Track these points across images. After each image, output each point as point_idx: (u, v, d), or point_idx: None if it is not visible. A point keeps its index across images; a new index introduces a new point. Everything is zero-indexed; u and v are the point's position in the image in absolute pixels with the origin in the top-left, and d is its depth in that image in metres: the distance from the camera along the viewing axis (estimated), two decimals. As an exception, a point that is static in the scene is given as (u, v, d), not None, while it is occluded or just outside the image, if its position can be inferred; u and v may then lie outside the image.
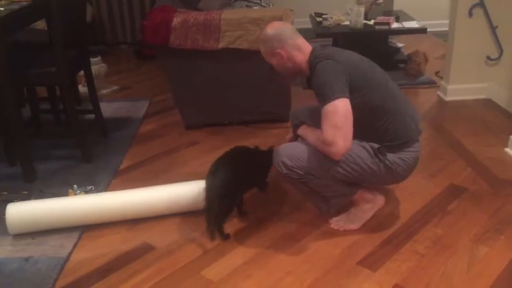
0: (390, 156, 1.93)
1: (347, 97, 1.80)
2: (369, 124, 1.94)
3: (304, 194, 2.12)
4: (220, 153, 2.85)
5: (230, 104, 3.11)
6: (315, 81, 1.88)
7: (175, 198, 2.26)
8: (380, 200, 2.14)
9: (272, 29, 2.02)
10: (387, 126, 1.92)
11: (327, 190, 2.02)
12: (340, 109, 1.78)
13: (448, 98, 3.48)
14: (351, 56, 1.97)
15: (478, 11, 3.23)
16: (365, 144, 1.94)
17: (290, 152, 1.94)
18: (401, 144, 1.94)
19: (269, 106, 3.11)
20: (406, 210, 2.25)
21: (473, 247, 1.99)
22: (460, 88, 3.45)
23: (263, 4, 3.95)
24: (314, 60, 1.93)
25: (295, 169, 1.92)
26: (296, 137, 2.06)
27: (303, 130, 2.02)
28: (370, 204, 2.12)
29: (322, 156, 1.87)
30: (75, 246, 2.10)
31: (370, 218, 2.15)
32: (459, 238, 2.05)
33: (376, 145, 1.92)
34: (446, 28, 3.52)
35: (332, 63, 1.86)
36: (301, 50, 1.99)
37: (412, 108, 2.05)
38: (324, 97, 1.80)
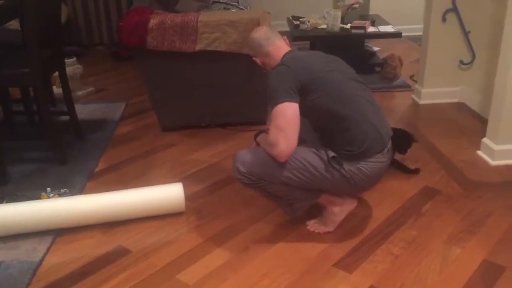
0: (347, 165, 1.92)
1: (293, 102, 1.84)
2: (328, 128, 1.97)
3: (267, 198, 2.12)
4: (197, 155, 2.87)
5: (208, 106, 3.10)
6: (266, 88, 1.93)
7: (151, 201, 2.24)
8: (349, 203, 2.15)
9: (250, 36, 2.11)
10: (344, 132, 1.92)
11: (286, 195, 2.03)
12: (285, 112, 1.82)
13: (422, 102, 3.54)
14: (309, 60, 1.99)
15: (451, 16, 3.30)
16: (321, 151, 1.94)
17: (244, 158, 1.97)
18: (360, 154, 1.92)
19: (247, 108, 3.11)
20: (382, 212, 2.28)
21: (446, 248, 2.03)
22: (434, 92, 3.51)
23: (241, 7, 3.96)
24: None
25: (246, 175, 1.95)
26: (258, 144, 2.10)
27: (260, 137, 2.05)
28: (339, 207, 2.12)
29: (272, 162, 1.90)
30: (48, 250, 2.07)
31: (346, 220, 2.16)
32: (432, 240, 2.09)
33: (332, 153, 1.92)
34: (421, 33, 3.58)
35: (282, 69, 1.92)
36: (272, 56, 2.05)
37: (380, 119, 2.00)
38: (272, 101, 1.86)
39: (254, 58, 2.12)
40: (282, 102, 1.83)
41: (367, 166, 1.94)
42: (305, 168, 1.92)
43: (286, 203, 2.08)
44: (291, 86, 1.86)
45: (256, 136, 2.11)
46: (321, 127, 1.99)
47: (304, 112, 1.87)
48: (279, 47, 2.06)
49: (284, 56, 2.02)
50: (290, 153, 1.85)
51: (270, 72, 2.01)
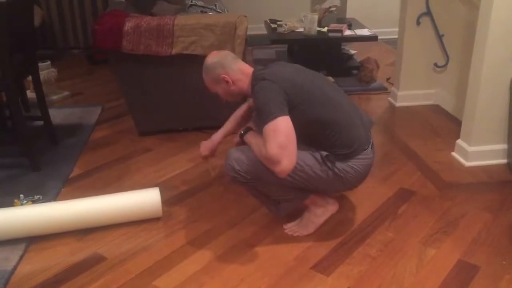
0: (339, 164, 1.95)
1: (286, 115, 1.81)
2: (315, 135, 1.97)
3: (254, 196, 2.13)
4: (174, 159, 2.85)
5: (185, 110, 3.08)
6: (255, 104, 1.92)
7: (127, 206, 2.21)
8: (332, 205, 2.17)
9: (212, 57, 2.07)
10: (333, 137, 1.93)
11: (276, 194, 2.04)
12: (282, 128, 1.78)
13: (398, 104, 3.58)
14: (288, 73, 1.98)
15: (426, 20, 3.35)
16: (314, 151, 1.95)
17: (239, 156, 1.96)
18: (350, 153, 1.96)
19: (225, 112, 3.09)
20: (359, 214, 2.30)
21: (422, 249, 2.05)
22: (409, 94, 3.56)
23: (218, 10, 3.96)
24: (253, 82, 1.96)
25: (242, 173, 1.94)
26: (242, 142, 2.07)
27: (248, 138, 2.02)
28: (322, 209, 2.14)
29: None
30: (21, 258, 2.02)
31: (323, 223, 2.17)
32: (408, 241, 2.11)
33: (324, 153, 1.94)
34: (396, 36, 3.62)
35: (268, 83, 1.89)
36: (244, 73, 2.03)
37: (361, 116, 2.06)
38: (265, 118, 1.82)
39: (222, 76, 2.02)
40: (276, 117, 1.78)
41: (358, 163, 1.98)
42: (302, 169, 1.92)
43: (273, 202, 2.09)
44: (280, 100, 1.84)
45: (242, 135, 2.06)
46: (307, 136, 1.96)
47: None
48: (246, 65, 2.06)
49: (256, 73, 1.98)
50: (291, 169, 1.81)
51: (253, 90, 1.95)
